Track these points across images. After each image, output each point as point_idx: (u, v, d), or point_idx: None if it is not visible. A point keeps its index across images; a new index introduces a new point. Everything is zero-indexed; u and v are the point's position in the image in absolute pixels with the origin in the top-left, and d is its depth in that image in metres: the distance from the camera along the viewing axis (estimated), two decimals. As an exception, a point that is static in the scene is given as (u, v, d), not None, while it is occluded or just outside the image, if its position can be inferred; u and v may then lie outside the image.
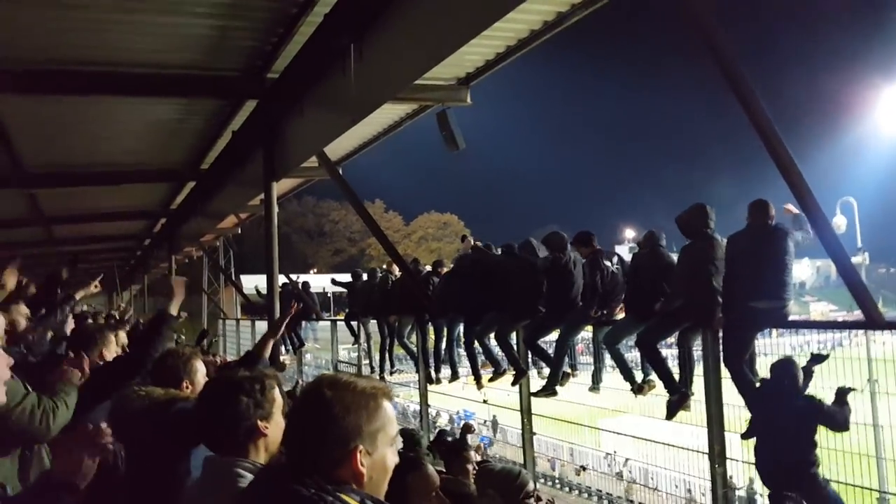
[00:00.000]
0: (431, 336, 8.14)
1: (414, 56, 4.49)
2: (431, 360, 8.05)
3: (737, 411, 4.75)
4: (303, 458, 1.39)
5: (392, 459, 1.46)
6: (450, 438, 4.91)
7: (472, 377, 7.30)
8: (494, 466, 3.79)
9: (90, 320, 8.09)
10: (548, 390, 6.09)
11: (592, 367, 6.15)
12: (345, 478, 1.37)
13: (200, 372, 2.88)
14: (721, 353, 4.75)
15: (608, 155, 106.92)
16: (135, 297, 22.76)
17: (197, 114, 8.03)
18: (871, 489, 4.60)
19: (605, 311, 5.82)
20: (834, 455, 4.33)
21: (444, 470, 3.75)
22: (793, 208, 4.81)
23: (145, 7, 5.11)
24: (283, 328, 4.01)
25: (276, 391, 1.98)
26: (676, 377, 5.15)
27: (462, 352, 7.57)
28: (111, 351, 3.49)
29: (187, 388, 2.74)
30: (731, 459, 4.90)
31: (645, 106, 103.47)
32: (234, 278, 19.51)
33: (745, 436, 4.65)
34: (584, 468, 9.40)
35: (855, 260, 4.62)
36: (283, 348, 10.92)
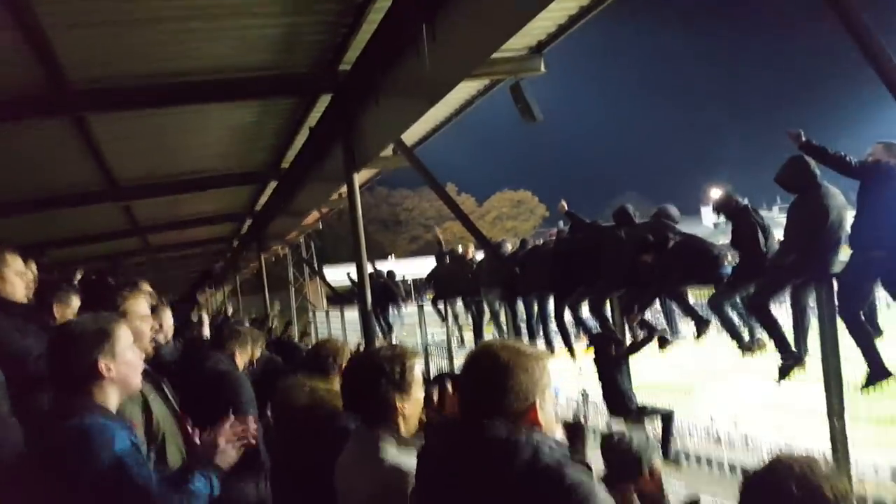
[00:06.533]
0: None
1: (488, 30, 4.38)
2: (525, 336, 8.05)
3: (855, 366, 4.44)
4: (484, 413, 1.52)
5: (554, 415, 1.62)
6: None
7: (567, 349, 7.26)
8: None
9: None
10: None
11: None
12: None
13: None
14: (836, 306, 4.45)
15: (687, 114, 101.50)
16: (228, 297, 23.88)
17: (273, 114, 8.22)
18: None
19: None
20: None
21: None
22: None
23: (218, 12, 5.18)
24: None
25: (417, 370, 2.10)
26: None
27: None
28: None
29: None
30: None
31: (725, 59, 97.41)
32: (318, 270, 20.14)
33: (866, 385, 4.34)
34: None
35: None
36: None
